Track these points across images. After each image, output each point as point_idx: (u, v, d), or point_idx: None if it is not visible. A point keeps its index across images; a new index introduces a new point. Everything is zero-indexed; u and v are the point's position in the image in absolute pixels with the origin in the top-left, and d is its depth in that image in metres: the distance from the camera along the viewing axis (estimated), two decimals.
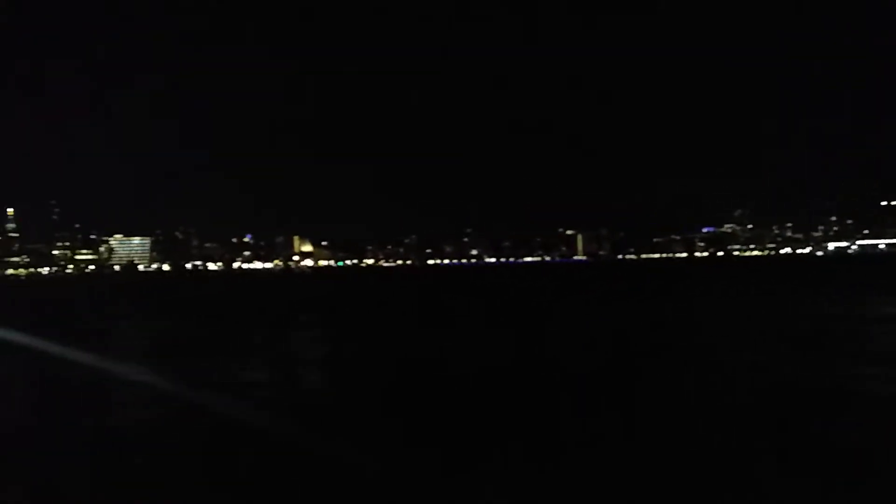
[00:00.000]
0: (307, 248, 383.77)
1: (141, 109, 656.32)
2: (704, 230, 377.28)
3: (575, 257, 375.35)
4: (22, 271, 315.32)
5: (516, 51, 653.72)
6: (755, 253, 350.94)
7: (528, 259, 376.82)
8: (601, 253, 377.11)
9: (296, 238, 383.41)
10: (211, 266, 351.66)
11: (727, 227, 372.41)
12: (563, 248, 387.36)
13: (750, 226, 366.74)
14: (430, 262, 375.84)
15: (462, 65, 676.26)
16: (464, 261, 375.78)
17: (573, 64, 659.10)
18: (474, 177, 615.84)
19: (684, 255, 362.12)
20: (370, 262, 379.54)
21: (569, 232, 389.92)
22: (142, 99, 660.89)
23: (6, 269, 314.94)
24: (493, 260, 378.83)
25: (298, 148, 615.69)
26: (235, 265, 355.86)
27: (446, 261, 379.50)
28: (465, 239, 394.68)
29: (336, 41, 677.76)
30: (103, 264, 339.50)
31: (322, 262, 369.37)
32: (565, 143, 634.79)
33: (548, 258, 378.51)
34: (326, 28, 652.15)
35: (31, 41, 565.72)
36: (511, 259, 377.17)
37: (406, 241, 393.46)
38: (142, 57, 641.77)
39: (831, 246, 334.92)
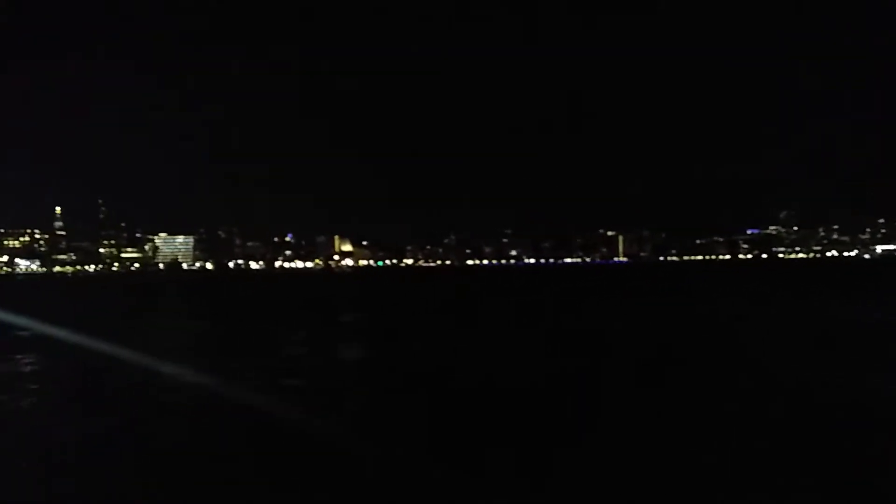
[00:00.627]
0: (347, 247, 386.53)
1: (184, 110, 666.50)
2: (749, 232, 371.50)
3: (615, 259, 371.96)
4: (69, 269, 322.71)
5: (528, 50, 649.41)
6: (800, 255, 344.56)
7: (568, 260, 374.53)
8: (642, 254, 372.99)
9: (336, 238, 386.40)
10: (253, 265, 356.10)
11: (772, 229, 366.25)
12: (604, 250, 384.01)
13: (795, 227, 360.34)
14: (470, 262, 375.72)
15: (490, 64, 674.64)
16: (503, 261, 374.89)
17: (600, 62, 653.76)
18: (514, 177, 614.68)
19: (727, 257, 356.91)
20: (409, 262, 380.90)
21: (609, 233, 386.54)
22: (185, 100, 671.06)
23: (54, 266, 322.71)
24: (532, 261, 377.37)
25: (339, 148, 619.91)
26: (277, 264, 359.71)
27: (485, 261, 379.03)
28: (505, 240, 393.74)
29: (345, 41, 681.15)
30: (148, 262, 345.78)
31: (362, 262, 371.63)
32: (607, 143, 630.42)
33: (588, 259, 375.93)
34: (337, 28, 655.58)
35: (79, 42, 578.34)
36: (551, 260, 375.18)
37: (445, 241, 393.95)
38: (188, 56, 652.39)
39: (879, 249, 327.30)
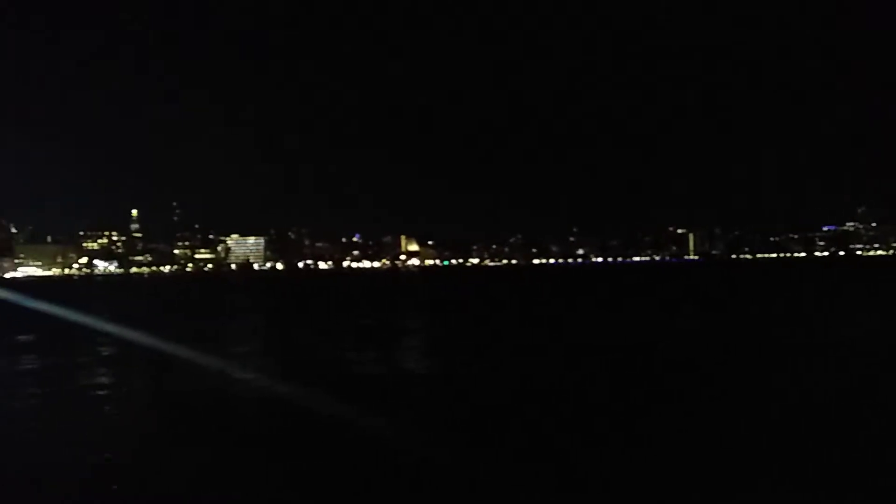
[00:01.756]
0: (413, 247, 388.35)
1: (251, 114, 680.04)
2: (825, 228, 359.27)
3: (686, 257, 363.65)
4: (145, 270, 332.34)
5: (593, 48, 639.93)
6: (879, 253, 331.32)
7: (637, 259, 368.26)
8: (714, 252, 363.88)
9: (402, 237, 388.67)
10: (321, 265, 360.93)
11: (849, 225, 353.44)
12: (674, 248, 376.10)
13: (874, 224, 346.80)
14: (536, 261, 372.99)
15: (554, 58, 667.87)
16: (570, 260, 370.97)
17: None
18: (582, 174, 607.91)
19: (803, 254, 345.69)
20: (475, 261, 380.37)
21: (680, 230, 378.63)
22: (256, 105, 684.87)
23: (131, 267, 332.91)
24: (600, 259, 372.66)
25: (405, 148, 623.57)
26: (345, 264, 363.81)
27: (552, 260, 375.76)
28: (572, 238, 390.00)
29: (405, 41, 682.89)
30: (221, 263, 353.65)
31: (428, 262, 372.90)
32: (677, 138, 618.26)
33: (657, 258, 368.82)
34: (396, 27, 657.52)
35: (160, 47, 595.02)
36: (619, 259, 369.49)
37: (511, 240, 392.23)
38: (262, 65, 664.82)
39: None
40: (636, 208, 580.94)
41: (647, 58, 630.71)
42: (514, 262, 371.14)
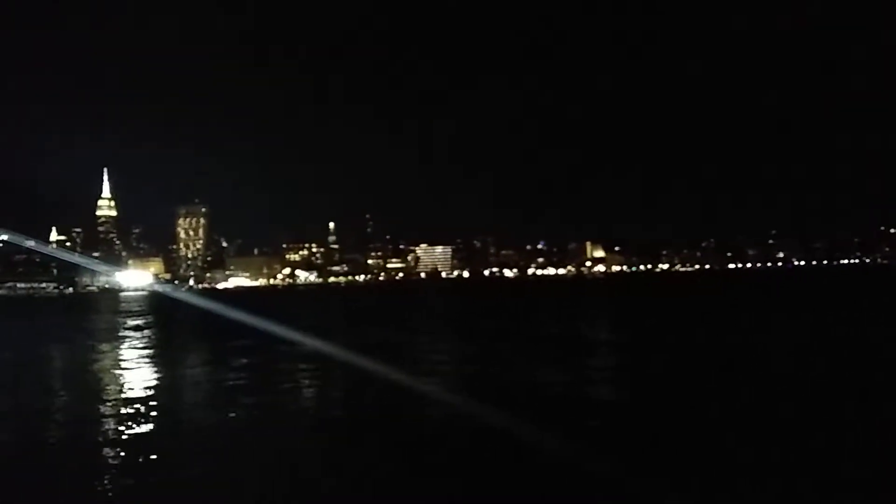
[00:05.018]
0: (599, 253, 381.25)
1: (439, 126, 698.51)
2: None
3: None
4: (342, 279, 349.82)
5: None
6: None
7: (844, 262, 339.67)
8: None
9: (588, 244, 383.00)
10: (507, 272, 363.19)
11: None
12: (886, 249, 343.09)
13: None
14: (731, 266, 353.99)
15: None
16: (768, 264, 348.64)
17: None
18: (780, 173, 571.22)
19: None
20: (665, 266, 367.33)
21: (893, 230, 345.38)
22: (441, 117, 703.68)
23: (329, 277, 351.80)
24: (802, 263, 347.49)
25: (591, 152, 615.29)
26: (529, 271, 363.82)
27: (748, 265, 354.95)
28: (771, 241, 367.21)
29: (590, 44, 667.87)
30: (411, 272, 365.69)
31: (615, 268, 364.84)
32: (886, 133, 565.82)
33: (867, 260, 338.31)
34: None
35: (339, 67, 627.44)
36: (824, 262, 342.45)
37: (704, 244, 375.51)
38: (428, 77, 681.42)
39: None
40: (841, 207, 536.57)
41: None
42: (707, 267, 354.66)
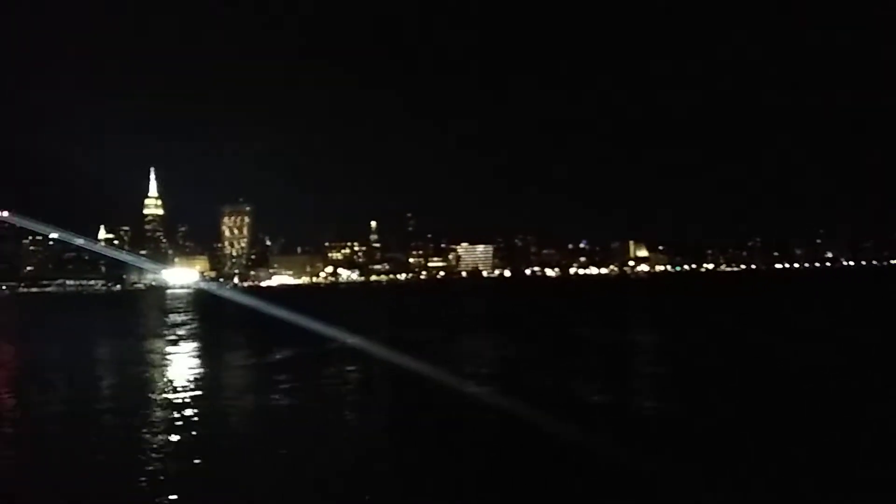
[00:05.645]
0: (643, 252, 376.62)
1: (475, 128, 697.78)
2: None
3: None
4: (383, 278, 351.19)
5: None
6: None
7: (894, 262, 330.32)
8: None
9: (631, 243, 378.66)
10: (548, 272, 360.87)
11: None
12: None
13: None
14: (778, 265, 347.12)
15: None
16: (816, 264, 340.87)
17: None
18: (828, 171, 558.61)
19: None
20: (709, 266, 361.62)
21: None
22: (474, 117, 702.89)
23: (370, 275, 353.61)
24: (850, 263, 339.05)
25: (633, 150, 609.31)
26: (571, 271, 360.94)
27: (795, 264, 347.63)
28: (818, 240, 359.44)
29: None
30: (452, 270, 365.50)
31: (658, 267, 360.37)
32: None
33: None
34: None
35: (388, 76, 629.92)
36: (873, 262, 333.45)
37: (749, 243, 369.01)
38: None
39: None
40: (891, 206, 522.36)
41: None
42: (753, 266, 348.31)
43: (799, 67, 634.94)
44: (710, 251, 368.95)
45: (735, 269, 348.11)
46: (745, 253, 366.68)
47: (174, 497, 13.26)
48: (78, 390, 26.20)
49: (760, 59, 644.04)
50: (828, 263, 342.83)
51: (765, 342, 36.23)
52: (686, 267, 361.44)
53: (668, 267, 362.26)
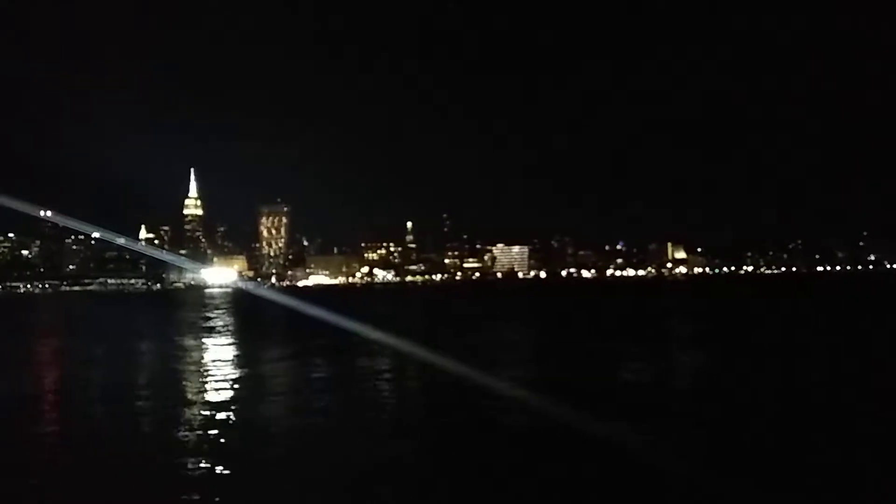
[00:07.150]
0: (681, 254, 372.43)
1: (505, 128, 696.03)
2: None
3: None
4: (419, 278, 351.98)
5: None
6: None
7: None
8: None
9: (669, 244, 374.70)
10: (585, 273, 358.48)
11: None
12: None
13: None
14: (819, 268, 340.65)
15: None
16: (859, 267, 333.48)
17: None
18: (871, 172, 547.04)
19: None
20: (749, 269, 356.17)
21: None
22: (506, 118, 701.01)
23: (406, 276, 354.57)
24: (895, 266, 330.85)
25: (673, 152, 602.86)
26: (608, 272, 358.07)
27: (838, 267, 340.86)
28: (861, 242, 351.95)
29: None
30: (487, 271, 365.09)
31: (696, 270, 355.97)
32: None
33: None
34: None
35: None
36: None
37: (790, 245, 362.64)
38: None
39: None
40: None
41: None
42: (794, 269, 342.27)
43: (840, 63, 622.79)
44: (749, 254, 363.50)
45: (775, 271, 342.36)
46: (785, 255, 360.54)
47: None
48: (120, 388, 26.60)
49: (796, 51, 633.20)
50: (870, 266, 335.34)
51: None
52: (725, 269, 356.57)
53: (707, 269, 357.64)
